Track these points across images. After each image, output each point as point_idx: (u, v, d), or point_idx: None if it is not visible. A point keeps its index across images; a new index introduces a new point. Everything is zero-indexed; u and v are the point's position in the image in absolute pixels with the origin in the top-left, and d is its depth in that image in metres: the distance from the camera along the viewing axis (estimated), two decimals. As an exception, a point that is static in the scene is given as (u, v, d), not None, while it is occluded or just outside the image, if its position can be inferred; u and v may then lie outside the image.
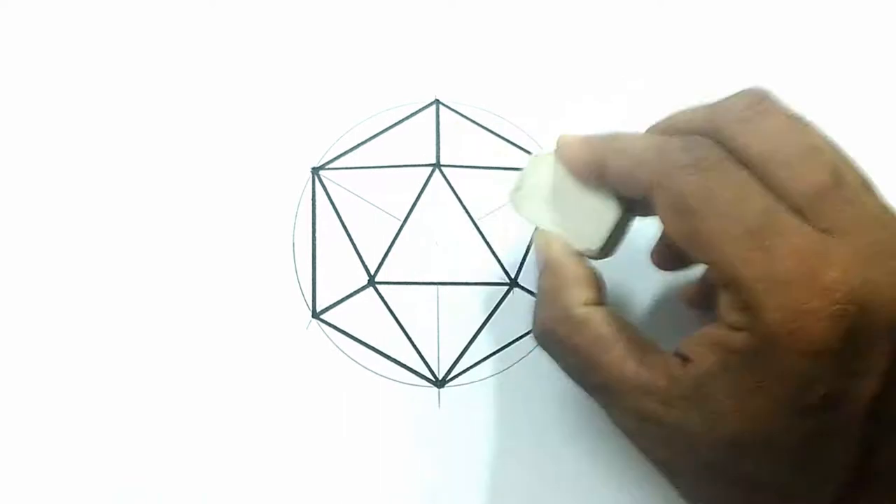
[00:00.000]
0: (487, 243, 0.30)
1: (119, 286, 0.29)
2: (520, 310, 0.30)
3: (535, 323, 0.26)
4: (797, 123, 0.23)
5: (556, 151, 0.26)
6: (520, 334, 0.30)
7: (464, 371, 0.30)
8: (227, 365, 0.29)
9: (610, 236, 0.25)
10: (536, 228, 0.27)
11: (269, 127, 0.30)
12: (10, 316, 0.29)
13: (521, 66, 0.31)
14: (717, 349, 0.22)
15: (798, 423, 0.21)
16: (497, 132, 0.31)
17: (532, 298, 0.30)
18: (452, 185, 0.30)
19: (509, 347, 0.30)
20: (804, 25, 0.32)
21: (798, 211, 0.22)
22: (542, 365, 0.29)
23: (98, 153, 0.30)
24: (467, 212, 0.30)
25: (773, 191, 0.22)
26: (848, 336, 0.21)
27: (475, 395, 0.29)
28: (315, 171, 0.30)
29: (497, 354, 0.30)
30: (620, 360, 0.24)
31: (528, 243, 0.30)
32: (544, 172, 0.27)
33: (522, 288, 0.30)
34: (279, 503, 0.29)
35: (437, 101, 0.31)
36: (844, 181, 0.22)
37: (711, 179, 0.22)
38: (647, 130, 0.26)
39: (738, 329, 0.22)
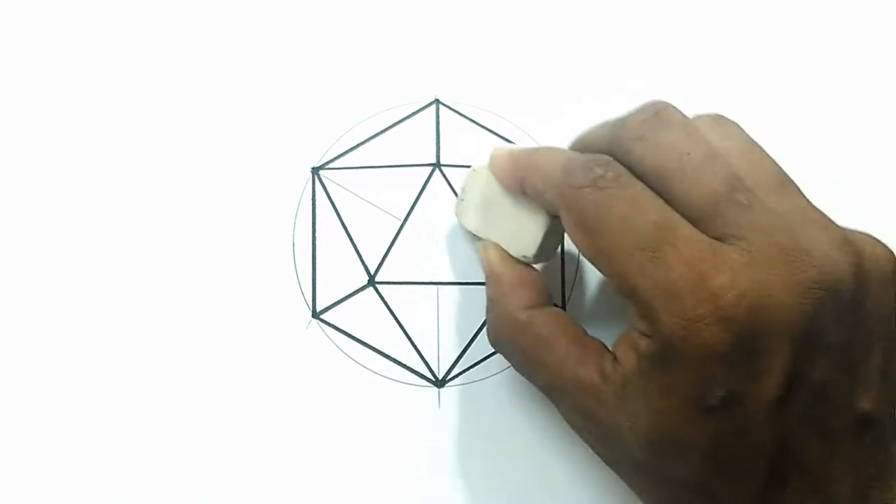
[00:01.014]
0: (487, 243, 0.30)
1: (119, 286, 0.29)
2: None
3: (487, 330, 0.27)
4: (692, 133, 0.23)
5: (489, 162, 0.27)
6: (520, 334, 0.30)
7: (464, 371, 0.30)
8: (227, 365, 0.29)
9: (542, 243, 0.27)
10: (477, 238, 0.28)
11: (269, 127, 0.30)
12: (9, 316, 0.29)
13: (521, 66, 0.31)
14: (633, 352, 0.23)
15: (704, 424, 0.22)
16: (497, 132, 0.31)
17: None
18: (452, 184, 0.30)
19: (509, 347, 0.30)
20: (804, 25, 0.32)
21: (693, 221, 0.22)
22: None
23: (97, 153, 0.30)
24: (467, 211, 0.30)
25: (669, 202, 0.23)
26: (740, 339, 0.21)
27: (475, 395, 0.29)
28: (315, 170, 0.30)
29: (497, 354, 0.30)
30: (561, 360, 0.25)
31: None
32: (481, 184, 0.28)
33: (522, 288, 0.30)
34: (279, 503, 0.29)
35: (437, 101, 0.31)
36: (742, 187, 0.23)
37: (607, 197, 0.23)
38: (569, 145, 0.27)
39: (644, 335, 0.22)
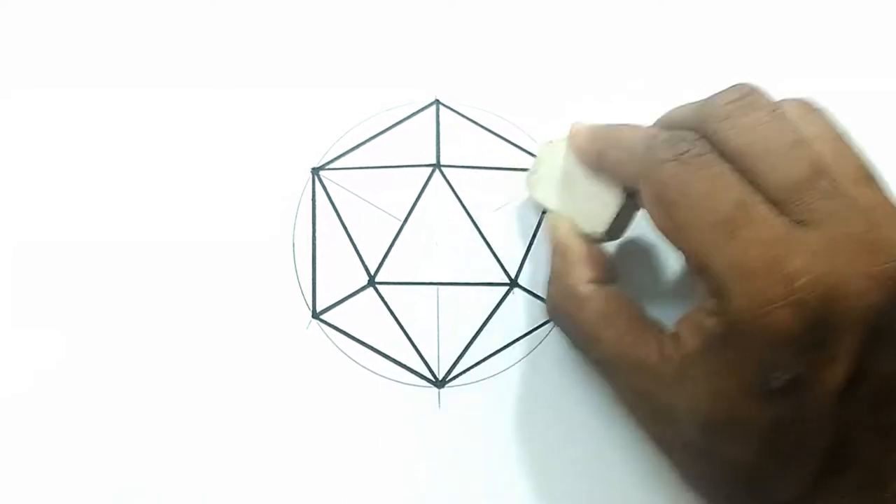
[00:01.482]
0: (487, 243, 0.30)
1: (118, 286, 0.29)
2: (520, 310, 0.30)
3: (547, 300, 0.28)
4: (779, 118, 0.23)
5: (568, 137, 0.28)
6: (520, 334, 0.30)
7: (464, 371, 0.30)
8: (227, 365, 0.29)
9: (614, 221, 0.27)
10: (546, 212, 0.29)
11: (269, 127, 0.30)
12: (10, 316, 0.29)
13: (521, 66, 0.31)
14: (698, 331, 0.23)
15: (765, 407, 0.22)
16: (497, 132, 0.31)
17: (532, 298, 0.30)
18: (452, 185, 0.30)
19: (510, 348, 0.30)
20: (804, 25, 0.32)
21: (775, 203, 0.22)
22: (542, 365, 0.29)
23: (97, 153, 0.30)
24: (467, 212, 0.30)
25: (752, 184, 0.23)
26: (811, 324, 0.21)
27: (475, 396, 0.29)
28: (315, 171, 0.30)
29: (497, 355, 0.30)
30: (618, 336, 0.25)
31: (528, 244, 0.30)
32: (557, 158, 0.28)
33: (522, 288, 0.30)
34: (279, 503, 0.29)
35: (437, 102, 0.31)
36: (826, 174, 0.23)
37: (690, 172, 0.23)
38: (653, 123, 0.27)
39: (712, 314, 0.22)
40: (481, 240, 0.30)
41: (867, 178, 0.24)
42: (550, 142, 0.29)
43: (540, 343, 0.30)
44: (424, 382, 0.29)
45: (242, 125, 0.30)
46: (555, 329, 0.30)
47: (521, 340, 0.30)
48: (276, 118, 0.30)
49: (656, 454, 0.26)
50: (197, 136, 0.30)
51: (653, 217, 0.24)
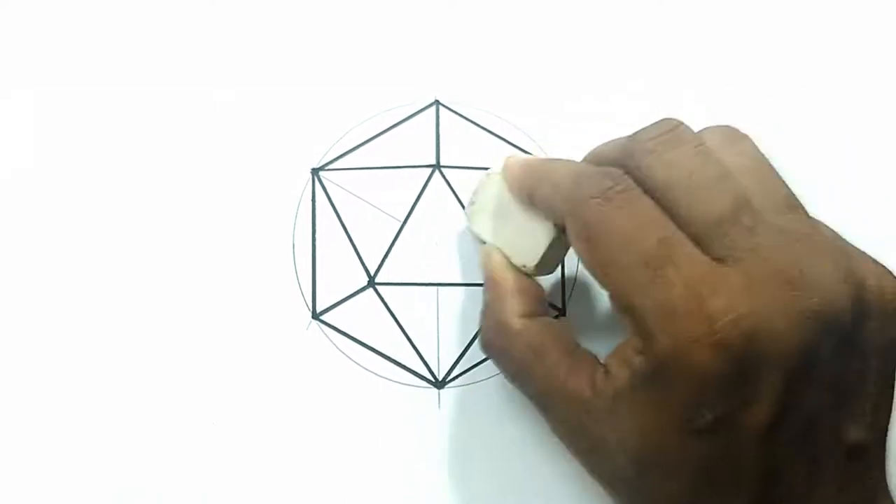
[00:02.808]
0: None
1: (119, 286, 0.29)
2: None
3: (479, 335, 0.27)
4: (703, 152, 0.23)
5: (501, 171, 0.27)
6: (520, 335, 0.30)
7: (464, 372, 0.30)
8: (227, 366, 0.29)
9: (545, 255, 0.27)
10: (483, 243, 0.28)
11: (269, 127, 0.30)
12: (10, 316, 0.29)
13: (521, 66, 0.31)
14: (627, 366, 0.23)
15: (693, 444, 0.22)
16: (497, 132, 0.31)
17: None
18: (452, 185, 0.30)
19: (509, 348, 0.30)
20: (804, 25, 0.32)
21: (698, 239, 0.22)
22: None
23: (97, 153, 0.30)
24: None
25: (675, 220, 0.22)
26: (733, 364, 0.21)
27: (475, 396, 0.29)
28: (315, 171, 0.30)
29: (497, 355, 0.30)
30: (551, 370, 0.25)
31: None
32: (493, 190, 0.28)
33: (522, 288, 0.30)
34: (279, 503, 0.29)
35: (437, 102, 0.31)
36: (748, 209, 0.22)
37: (614, 210, 0.23)
38: (583, 158, 0.26)
39: (638, 352, 0.22)
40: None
41: (791, 207, 0.23)
42: (488, 174, 0.28)
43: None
44: (424, 383, 0.29)
45: (242, 125, 0.30)
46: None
47: (521, 341, 0.30)
48: (276, 118, 0.30)
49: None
50: (197, 136, 0.30)
51: (578, 253, 0.24)
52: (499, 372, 0.29)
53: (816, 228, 0.23)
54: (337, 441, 0.29)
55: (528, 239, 0.27)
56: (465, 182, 0.30)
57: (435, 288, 0.30)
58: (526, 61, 0.31)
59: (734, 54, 0.31)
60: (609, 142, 0.26)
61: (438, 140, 0.31)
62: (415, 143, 0.30)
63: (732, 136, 0.24)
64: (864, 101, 0.31)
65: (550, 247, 0.26)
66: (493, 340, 0.27)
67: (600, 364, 0.24)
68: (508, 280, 0.27)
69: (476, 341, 0.29)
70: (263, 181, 0.30)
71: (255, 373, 0.29)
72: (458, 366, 0.30)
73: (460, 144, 0.30)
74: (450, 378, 0.29)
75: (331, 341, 0.29)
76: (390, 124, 0.31)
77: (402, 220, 0.30)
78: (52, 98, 0.30)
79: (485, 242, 0.28)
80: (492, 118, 0.31)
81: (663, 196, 0.23)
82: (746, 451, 0.22)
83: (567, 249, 0.27)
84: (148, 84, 0.31)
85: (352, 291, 0.30)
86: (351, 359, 0.29)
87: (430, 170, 0.30)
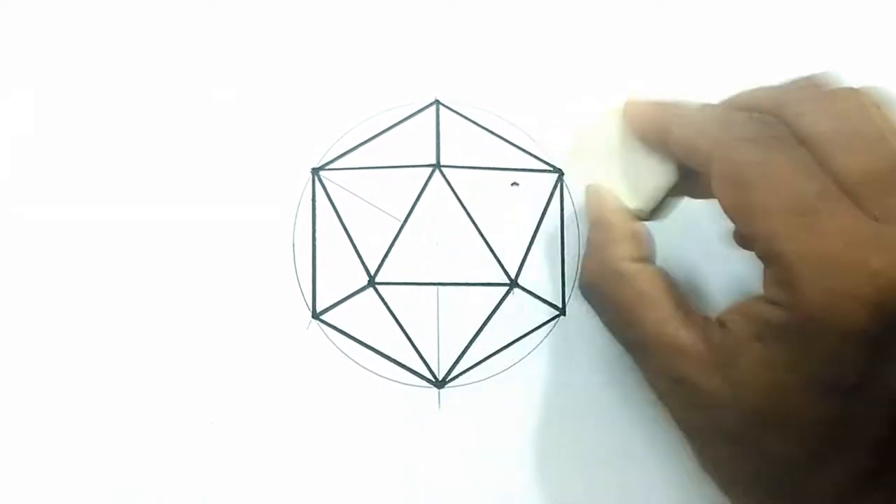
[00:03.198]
0: (487, 243, 0.30)
1: (119, 286, 0.29)
2: (520, 310, 0.30)
3: (580, 275, 0.27)
4: (866, 109, 0.22)
5: (623, 109, 0.27)
6: (520, 335, 0.30)
7: (464, 371, 0.30)
8: (227, 365, 0.29)
9: (663, 200, 0.26)
10: (585, 188, 0.28)
11: (269, 127, 0.30)
12: (10, 316, 0.29)
13: (521, 66, 0.31)
14: (755, 321, 0.22)
15: (823, 405, 0.21)
16: (497, 132, 0.31)
17: (532, 299, 0.30)
18: (452, 185, 0.30)
19: (510, 348, 0.30)
20: (804, 25, 0.32)
21: (852, 195, 0.21)
22: (542, 365, 0.29)
23: (97, 153, 0.30)
24: (467, 212, 0.30)
25: (829, 173, 0.22)
26: (886, 326, 0.20)
27: (475, 396, 0.29)
28: (315, 171, 0.30)
29: (497, 355, 0.30)
30: (661, 319, 0.24)
31: (528, 244, 0.30)
32: (607, 129, 0.27)
33: (522, 288, 0.30)
34: (279, 503, 0.29)
35: (437, 102, 0.31)
36: None
37: (769, 154, 0.22)
38: (722, 103, 0.25)
39: (777, 304, 0.21)
40: (481, 240, 0.30)
41: None
42: (600, 113, 0.27)
43: (540, 343, 0.30)
44: (424, 382, 0.29)
45: (243, 126, 0.30)
46: (555, 329, 0.30)
47: (521, 340, 0.30)
48: (276, 118, 0.30)
49: (670, 449, 0.25)
50: (197, 136, 0.30)
51: (722, 198, 0.23)
52: (500, 371, 0.30)
53: None
54: (337, 441, 0.29)
55: (645, 181, 0.26)
56: (465, 182, 0.30)
57: (435, 288, 0.30)
58: (526, 61, 0.31)
59: (734, 54, 0.31)
60: (752, 89, 0.25)
61: (438, 140, 0.31)
62: (415, 143, 0.30)
63: (891, 97, 0.24)
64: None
65: (670, 191, 0.26)
66: (599, 283, 0.26)
67: (711, 319, 0.24)
68: (620, 221, 0.26)
69: (476, 340, 0.29)
70: (263, 181, 0.30)
71: (255, 372, 0.29)
72: (458, 366, 0.30)
73: (460, 144, 0.30)
74: (450, 378, 0.29)
75: (331, 341, 0.29)
76: (390, 124, 0.31)
77: (402, 219, 0.30)
78: (52, 98, 0.30)
79: (588, 185, 0.28)
80: (492, 118, 0.31)
81: (820, 148, 0.22)
82: (876, 415, 0.21)
83: (680, 198, 0.26)
84: (148, 84, 0.31)
85: (352, 291, 0.30)
86: (351, 358, 0.29)
87: (430, 169, 0.30)
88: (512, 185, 0.29)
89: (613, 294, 0.25)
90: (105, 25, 0.31)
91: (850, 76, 0.32)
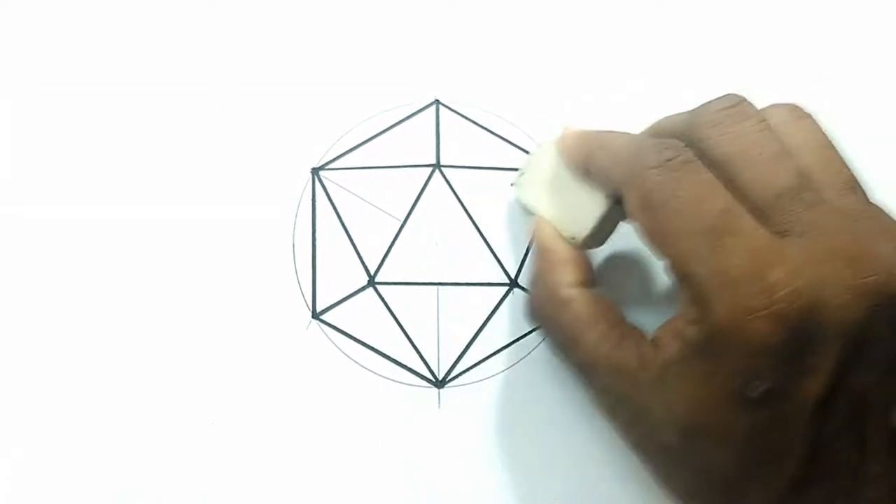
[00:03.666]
0: (487, 243, 0.30)
1: (119, 286, 0.29)
2: (520, 310, 0.30)
3: (528, 302, 0.28)
4: (766, 128, 0.24)
5: (556, 141, 0.28)
6: (520, 334, 0.30)
7: (464, 371, 0.30)
8: (226, 365, 0.29)
9: (597, 227, 0.27)
10: (532, 214, 0.28)
11: (269, 127, 0.30)
12: (10, 316, 0.29)
13: (521, 66, 0.31)
14: (678, 338, 0.23)
15: (742, 416, 0.22)
16: (497, 132, 0.31)
17: (532, 299, 0.30)
18: (452, 185, 0.30)
19: (510, 348, 0.30)
20: (804, 25, 0.32)
21: (758, 212, 0.22)
22: (542, 365, 0.29)
23: (97, 154, 0.30)
24: (467, 212, 0.30)
25: (736, 192, 0.23)
26: (790, 336, 0.21)
27: (475, 396, 0.29)
28: (315, 171, 0.30)
29: (497, 355, 0.30)
30: (598, 340, 0.25)
31: (528, 243, 0.30)
32: (545, 161, 0.28)
33: (522, 288, 0.30)
34: (279, 503, 0.29)
35: (437, 102, 0.31)
36: (810, 185, 0.23)
37: (675, 179, 0.23)
38: (642, 132, 0.27)
39: (692, 322, 0.22)
40: (481, 240, 0.30)
41: (852, 187, 0.23)
42: (541, 144, 0.29)
43: (540, 343, 0.30)
44: (424, 382, 0.29)
45: (242, 125, 0.30)
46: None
47: (521, 340, 0.30)
48: (276, 118, 0.30)
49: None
50: (197, 136, 0.30)
51: (636, 223, 0.24)
52: (500, 371, 0.30)
53: (877, 210, 0.23)
54: (337, 441, 0.29)
55: (579, 210, 0.27)
56: (465, 182, 0.30)
57: (435, 288, 0.30)
58: (526, 61, 0.31)
59: (734, 54, 0.32)
60: (669, 116, 0.26)
61: (438, 139, 0.31)
62: (415, 143, 0.30)
63: (796, 113, 0.25)
64: (865, 102, 0.31)
65: (602, 219, 0.27)
66: (543, 308, 0.27)
67: (646, 338, 0.24)
68: (558, 249, 0.27)
69: (476, 340, 0.30)
70: (263, 181, 0.30)
71: (255, 372, 0.29)
72: (458, 366, 0.30)
73: (460, 144, 0.31)
74: (450, 378, 0.29)
75: (331, 341, 0.29)
76: (390, 124, 0.31)
77: (403, 219, 0.30)
78: (53, 98, 0.30)
79: (533, 215, 0.28)
80: (492, 118, 0.31)
81: (725, 170, 0.23)
82: (795, 424, 0.22)
83: (617, 224, 0.27)
84: (148, 84, 0.31)
85: (352, 291, 0.30)
86: (351, 358, 0.29)
87: (430, 169, 0.30)
88: (512, 185, 0.29)
89: (555, 319, 0.26)
90: (105, 25, 0.31)
91: (850, 76, 0.32)
